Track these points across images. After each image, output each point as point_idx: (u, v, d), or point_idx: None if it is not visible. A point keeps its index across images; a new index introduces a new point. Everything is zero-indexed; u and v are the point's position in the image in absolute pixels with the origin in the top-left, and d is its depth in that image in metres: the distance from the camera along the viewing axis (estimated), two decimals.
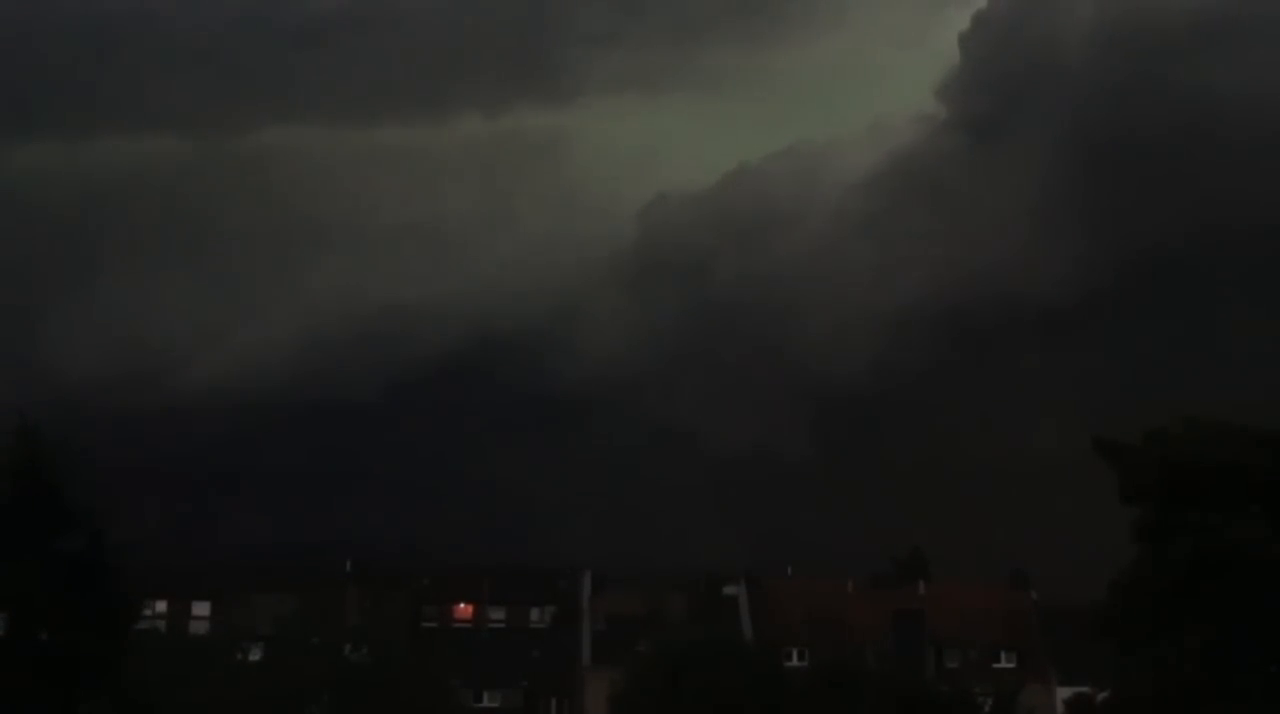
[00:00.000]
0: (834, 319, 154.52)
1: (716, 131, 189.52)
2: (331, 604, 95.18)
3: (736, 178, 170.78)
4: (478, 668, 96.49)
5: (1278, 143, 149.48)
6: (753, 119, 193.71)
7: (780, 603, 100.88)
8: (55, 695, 42.26)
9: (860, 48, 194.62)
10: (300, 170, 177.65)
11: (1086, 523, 72.49)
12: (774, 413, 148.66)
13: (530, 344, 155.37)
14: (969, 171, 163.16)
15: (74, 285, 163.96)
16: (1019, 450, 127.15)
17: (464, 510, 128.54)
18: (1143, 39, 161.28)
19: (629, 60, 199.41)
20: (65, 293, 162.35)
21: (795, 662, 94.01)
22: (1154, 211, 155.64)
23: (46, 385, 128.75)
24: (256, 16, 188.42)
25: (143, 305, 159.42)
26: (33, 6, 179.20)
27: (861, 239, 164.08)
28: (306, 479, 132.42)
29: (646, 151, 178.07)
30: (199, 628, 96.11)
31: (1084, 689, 72.18)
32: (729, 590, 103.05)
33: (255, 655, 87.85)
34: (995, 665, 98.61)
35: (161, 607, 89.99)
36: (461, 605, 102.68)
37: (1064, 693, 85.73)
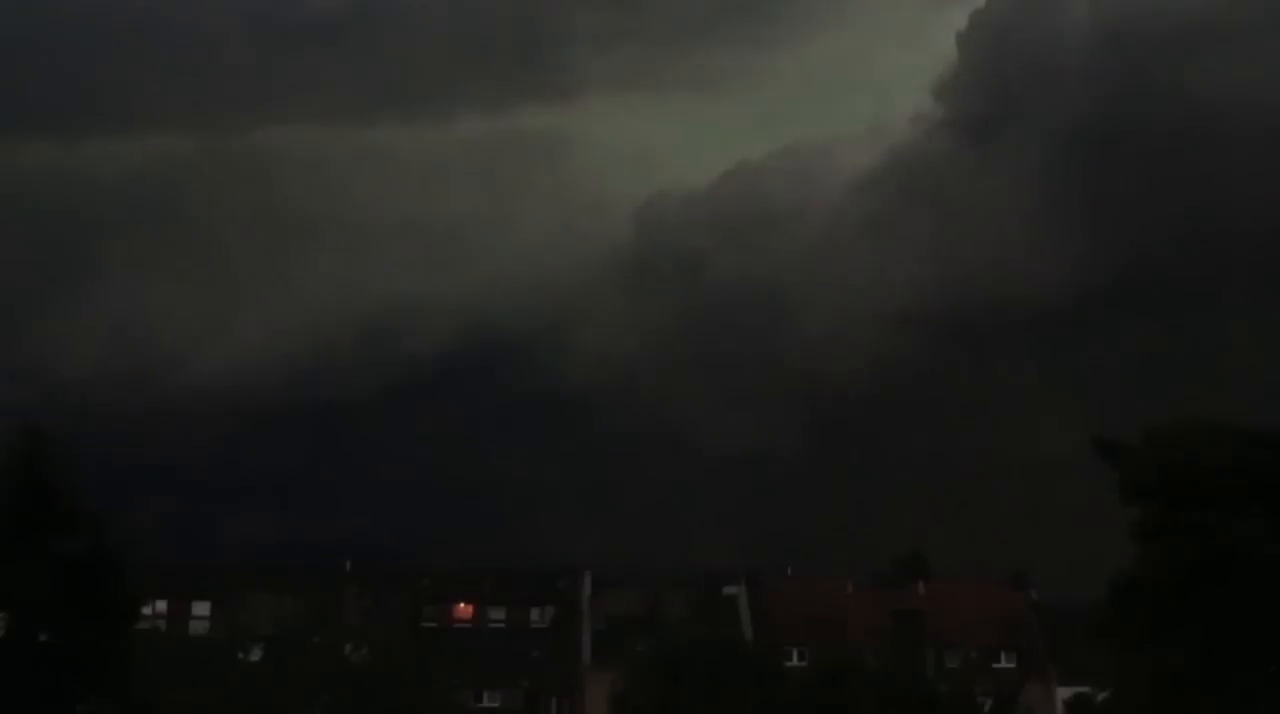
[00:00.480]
0: (832, 318, 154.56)
1: (715, 131, 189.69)
2: (331, 604, 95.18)
3: (735, 177, 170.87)
4: (478, 668, 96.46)
5: (1276, 142, 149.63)
6: (752, 119, 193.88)
7: (780, 603, 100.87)
8: (55, 695, 42.29)
9: (859, 47, 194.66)
10: (298, 169, 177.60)
11: (1086, 523, 72.49)
12: (772, 412, 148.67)
13: (529, 343, 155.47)
14: (967, 171, 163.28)
15: (72, 285, 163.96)
16: (1018, 450, 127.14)
17: (464, 510, 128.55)
18: (1140, 39, 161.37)
19: (629, 60, 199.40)
20: (63, 292, 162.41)
21: (795, 662, 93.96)
22: (1152, 211, 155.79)
23: (44, 385, 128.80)
24: (255, 16, 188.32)
25: (141, 305, 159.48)
26: (31, 5, 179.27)
27: (860, 238, 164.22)
28: (305, 479, 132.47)
29: (646, 151, 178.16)
30: (199, 628, 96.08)
31: (1084, 689, 72.17)
32: (729, 590, 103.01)
33: (255, 655, 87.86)
34: (995, 665, 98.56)
35: (161, 607, 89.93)
36: (461, 605, 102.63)
37: (1064, 693, 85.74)
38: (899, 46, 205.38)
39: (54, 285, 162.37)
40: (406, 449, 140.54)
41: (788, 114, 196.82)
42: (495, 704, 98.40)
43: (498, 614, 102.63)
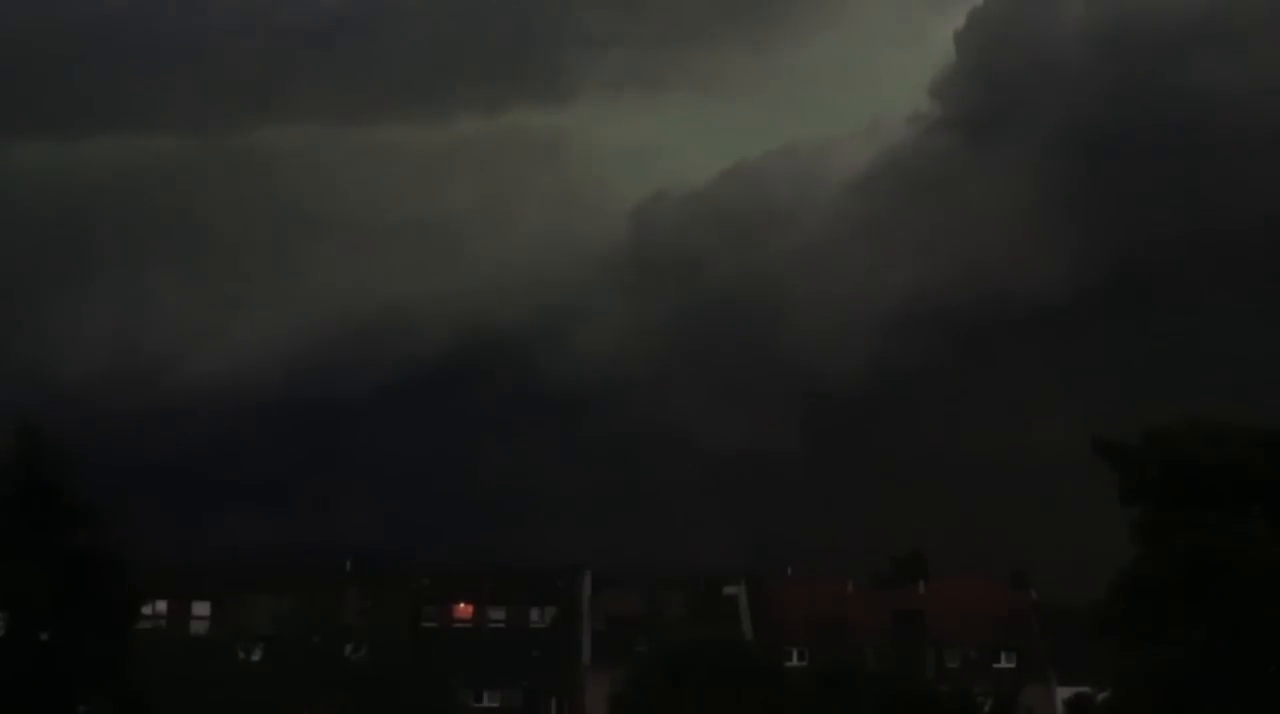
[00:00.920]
0: (831, 317, 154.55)
1: (714, 131, 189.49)
2: (331, 604, 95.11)
3: (733, 177, 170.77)
4: (478, 668, 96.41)
5: (1273, 140, 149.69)
6: (750, 119, 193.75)
7: (780, 603, 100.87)
8: (55, 695, 42.29)
9: (858, 47, 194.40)
10: (296, 169, 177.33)
11: (1086, 523, 72.47)
12: (772, 412, 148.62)
13: (528, 342, 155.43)
14: (965, 170, 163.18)
15: (70, 284, 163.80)
16: (1017, 450, 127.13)
17: (464, 510, 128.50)
18: (1137, 38, 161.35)
19: (628, 60, 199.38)
20: (61, 291, 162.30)
21: (795, 662, 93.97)
22: (1150, 209, 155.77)
23: (41, 384, 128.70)
24: (254, 15, 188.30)
25: (139, 304, 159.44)
26: (29, 4, 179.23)
27: (859, 238, 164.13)
28: (304, 478, 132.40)
29: (645, 151, 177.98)
30: (199, 628, 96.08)
31: (1084, 689, 72.18)
32: (729, 590, 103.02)
33: (255, 655, 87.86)
34: (995, 665, 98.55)
35: (161, 607, 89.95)
36: (461, 605, 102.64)
37: (1064, 693, 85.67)
38: (898, 46, 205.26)
39: (53, 285, 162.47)
40: (405, 449, 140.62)
41: (786, 114, 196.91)
42: (495, 704, 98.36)
43: (498, 614, 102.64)
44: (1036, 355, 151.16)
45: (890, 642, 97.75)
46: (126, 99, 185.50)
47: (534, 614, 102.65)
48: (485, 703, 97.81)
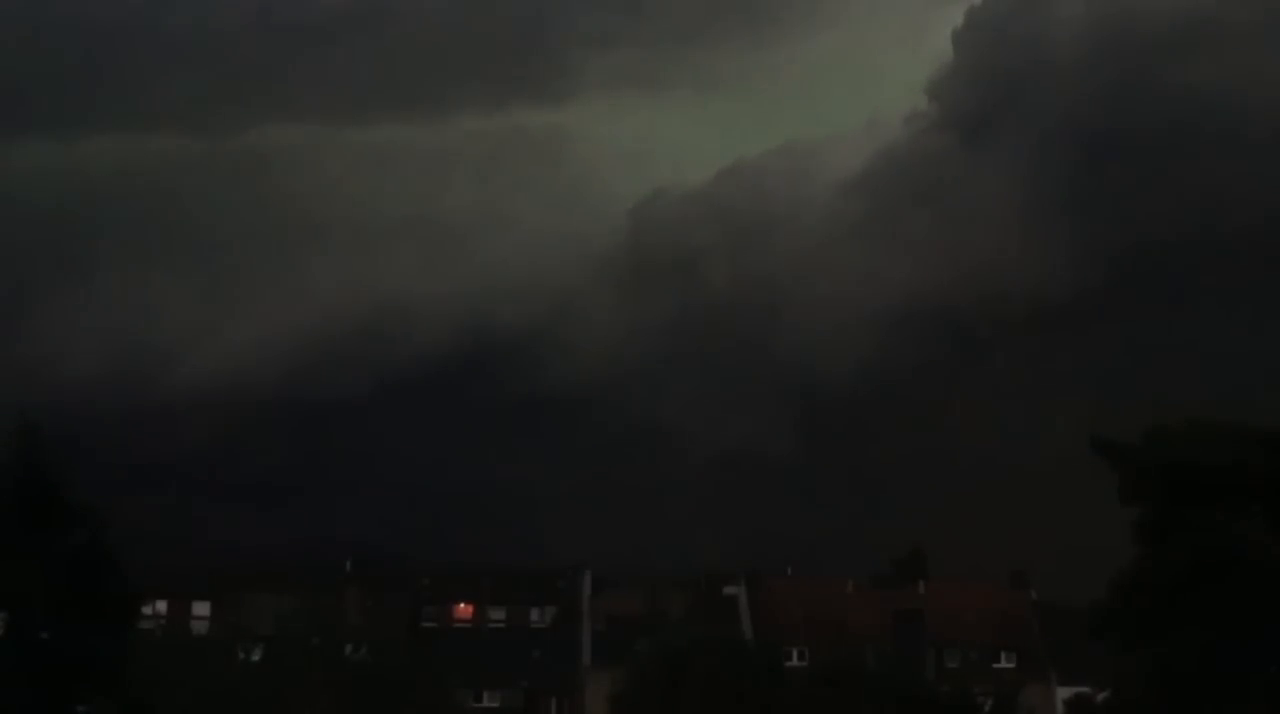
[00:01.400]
0: (830, 317, 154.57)
1: (712, 130, 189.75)
2: (331, 604, 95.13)
3: (731, 176, 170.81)
4: (478, 668, 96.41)
5: (1270, 140, 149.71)
6: (749, 118, 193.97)
7: (780, 603, 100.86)
8: (55, 695, 42.24)
9: (857, 46, 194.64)
10: (296, 169, 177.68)
11: (1086, 523, 72.49)
12: (769, 411, 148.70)
13: (527, 342, 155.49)
14: (963, 169, 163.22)
15: (67, 283, 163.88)
16: (1016, 449, 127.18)
17: (464, 510, 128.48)
18: (1134, 37, 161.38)
19: (627, 59, 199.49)
20: (59, 291, 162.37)
21: (795, 662, 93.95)
22: (1148, 208, 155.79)
23: (39, 383, 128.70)
24: (253, 15, 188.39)
25: (137, 303, 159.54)
26: (29, 4, 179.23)
27: (857, 237, 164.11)
28: (303, 478, 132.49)
29: (644, 150, 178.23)
30: (199, 628, 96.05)
31: (1084, 689, 72.27)
32: (729, 590, 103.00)
33: (255, 655, 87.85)
34: (995, 665, 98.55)
35: (161, 607, 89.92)
36: (461, 605, 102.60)
37: (1064, 693, 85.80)
38: (897, 45, 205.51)
39: (51, 284, 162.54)
40: (404, 448, 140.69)
41: (785, 113, 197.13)
42: (495, 704, 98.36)
43: (498, 614, 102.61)
44: (1034, 355, 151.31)
45: (890, 642, 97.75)
46: (126, 99, 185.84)
47: (534, 614, 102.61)
48: (485, 703, 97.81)
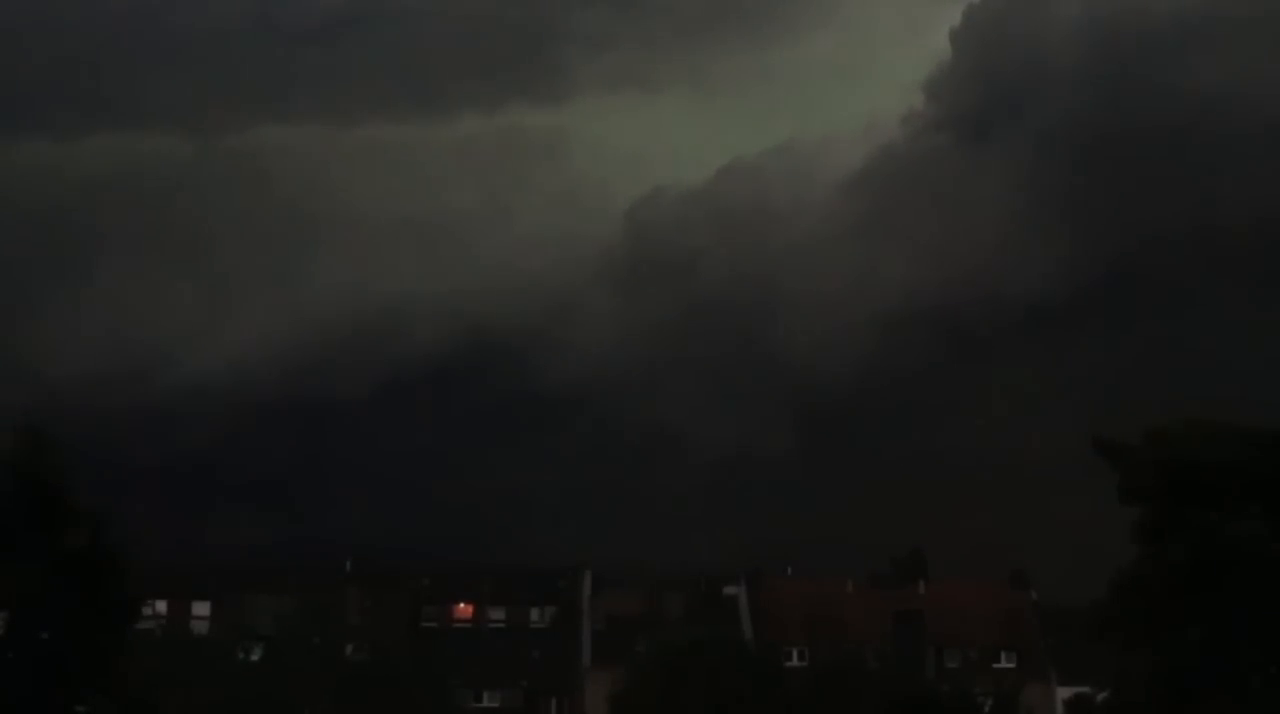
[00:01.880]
0: (828, 316, 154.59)
1: (711, 129, 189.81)
2: (331, 604, 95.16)
3: (729, 176, 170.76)
4: (478, 668, 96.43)
5: (1269, 138, 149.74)
6: (748, 117, 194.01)
7: (780, 603, 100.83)
8: (55, 695, 42.27)
9: (856, 45, 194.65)
10: (294, 168, 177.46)
11: (1086, 523, 72.49)
12: (768, 411, 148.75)
13: (525, 341, 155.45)
14: (960, 168, 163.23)
15: (65, 283, 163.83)
16: (1016, 449, 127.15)
17: (463, 510, 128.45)
18: (1132, 37, 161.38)
19: (625, 59, 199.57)
20: (56, 290, 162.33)
21: (795, 662, 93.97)
22: (1146, 208, 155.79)
23: (36, 383, 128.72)
24: (252, 15, 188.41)
25: (136, 303, 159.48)
26: (28, 3, 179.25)
27: (856, 237, 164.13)
28: (302, 478, 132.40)
29: (642, 149, 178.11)
30: (199, 628, 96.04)
31: (1084, 689, 72.18)
32: (729, 590, 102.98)
33: (255, 655, 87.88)
34: (995, 665, 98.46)
35: (161, 607, 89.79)
36: (461, 605, 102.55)
37: (1064, 693, 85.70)
38: (895, 44, 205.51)
39: (49, 283, 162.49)
40: (404, 448, 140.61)
41: (784, 112, 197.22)
42: (495, 704, 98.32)
43: (498, 614, 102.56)
44: (1032, 355, 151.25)
45: (890, 642, 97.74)
46: (124, 98, 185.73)
47: (534, 614, 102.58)
48: (485, 703, 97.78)
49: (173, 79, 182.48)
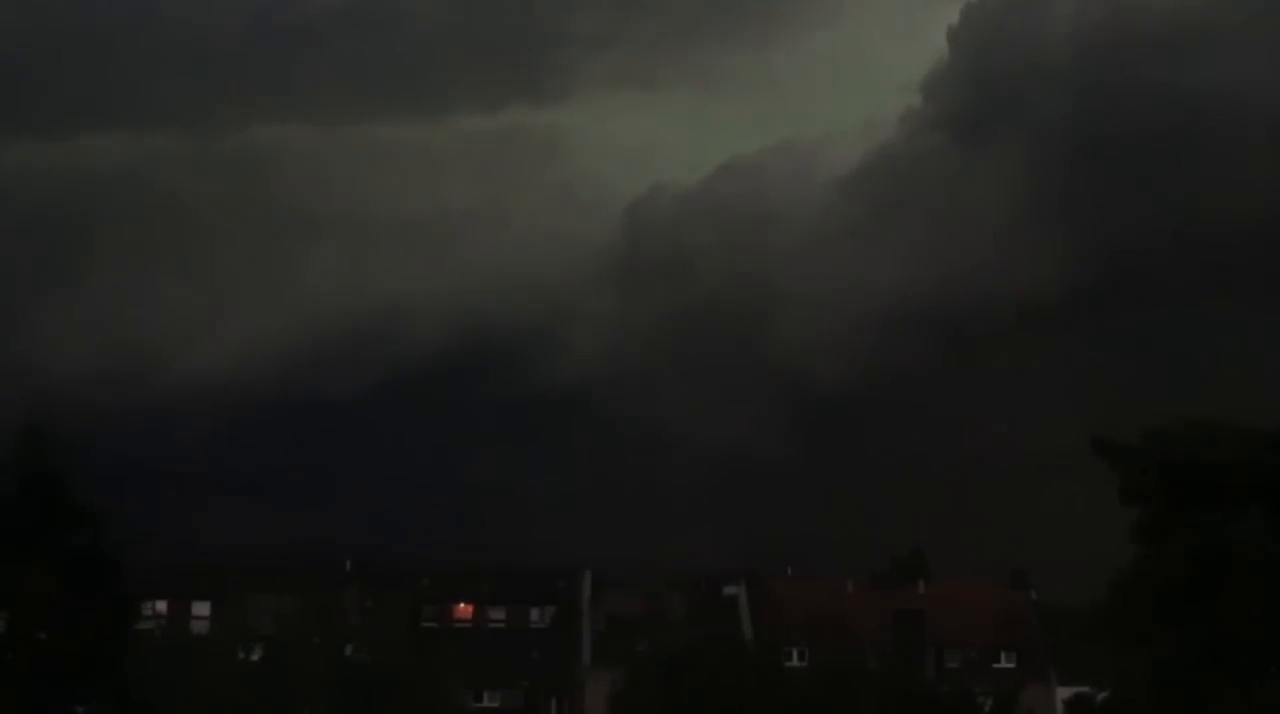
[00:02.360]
0: (828, 315, 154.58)
1: (710, 128, 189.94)
2: (331, 604, 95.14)
3: (727, 175, 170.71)
4: (478, 668, 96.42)
5: (1266, 139, 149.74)
6: (746, 116, 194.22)
7: (780, 603, 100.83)
8: (55, 695, 42.27)
9: (855, 44, 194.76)
10: (292, 167, 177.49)
11: (1086, 523, 72.50)
12: (766, 411, 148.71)
13: (524, 341, 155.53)
14: (958, 168, 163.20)
15: (62, 282, 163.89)
16: (1016, 449, 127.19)
17: (464, 510, 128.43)
18: (1129, 36, 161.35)
19: (624, 58, 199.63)
20: (53, 290, 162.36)
21: (795, 662, 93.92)
22: (1143, 207, 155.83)
23: (33, 382, 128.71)
24: (251, 14, 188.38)
25: (134, 302, 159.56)
26: (27, 3, 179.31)
27: (854, 236, 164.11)
28: (297, 478, 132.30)
29: (640, 148, 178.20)
30: (199, 628, 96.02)
31: (1084, 689, 72.11)
32: (729, 590, 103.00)
33: (255, 655, 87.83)
34: (995, 665, 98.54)
35: (161, 607, 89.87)
36: (461, 605, 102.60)
37: (1064, 693, 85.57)
38: (893, 43, 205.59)
39: (46, 283, 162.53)
40: (403, 447, 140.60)
41: (782, 111, 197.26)
42: (495, 704, 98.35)
43: (498, 614, 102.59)
44: (1030, 354, 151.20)
45: (890, 642, 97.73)
46: (122, 97, 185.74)
47: (534, 614, 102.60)
48: (485, 703, 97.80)
49: (172, 79, 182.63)
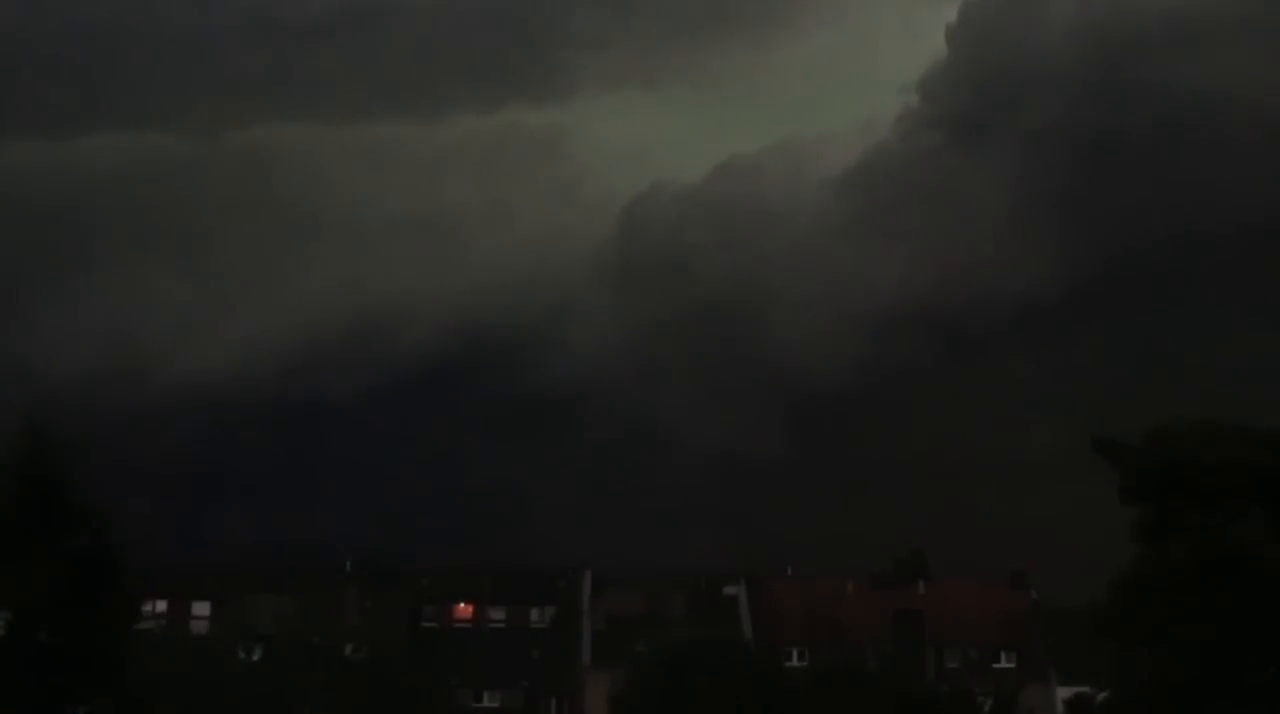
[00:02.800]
0: (827, 315, 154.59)
1: (708, 128, 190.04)
2: (331, 604, 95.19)
3: (725, 175, 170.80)
4: (478, 668, 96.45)
5: (1262, 139, 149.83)
6: (745, 115, 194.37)
7: (780, 603, 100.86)
8: (55, 696, 42.28)
9: (854, 43, 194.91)
10: (292, 167, 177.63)
11: (1086, 523, 72.47)
12: (769, 410, 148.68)
13: (523, 340, 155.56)
14: (955, 167, 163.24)
15: (60, 282, 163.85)
16: (1015, 449, 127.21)
17: (463, 510, 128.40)
18: (1127, 36, 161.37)
19: (624, 58, 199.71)
20: (55, 289, 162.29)
21: (795, 662, 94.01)
22: (1140, 207, 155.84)
23: (33, 382, 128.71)
24: (251, 13, 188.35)
25: (133, 302, 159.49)
26: (27, 2, 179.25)
27: (852, 235, 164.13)
28: (295, 478, 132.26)
29: (640, 147, 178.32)
30: (199, 628, 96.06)
31: (1084, 689, 72.15)
32: (729, 590, 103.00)
33: (255, 655, 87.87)
34: (995, 665, 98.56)
35: (161, 607, 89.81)
36: (461, 605, 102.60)
37: (1064, 693, 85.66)
38: (892, 42, 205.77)
39: (45, 282, 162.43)
40: (403, 447, 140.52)
41: (780, 111, 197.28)
42: (495, 704, 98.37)
43: (498, 614, 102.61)
44: (1028, 353, 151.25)
45: (890, 642, 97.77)
46: (122, 96, 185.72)
47: (534, 614, 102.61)
48: (485, 703, 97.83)
49: (170, 78, 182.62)
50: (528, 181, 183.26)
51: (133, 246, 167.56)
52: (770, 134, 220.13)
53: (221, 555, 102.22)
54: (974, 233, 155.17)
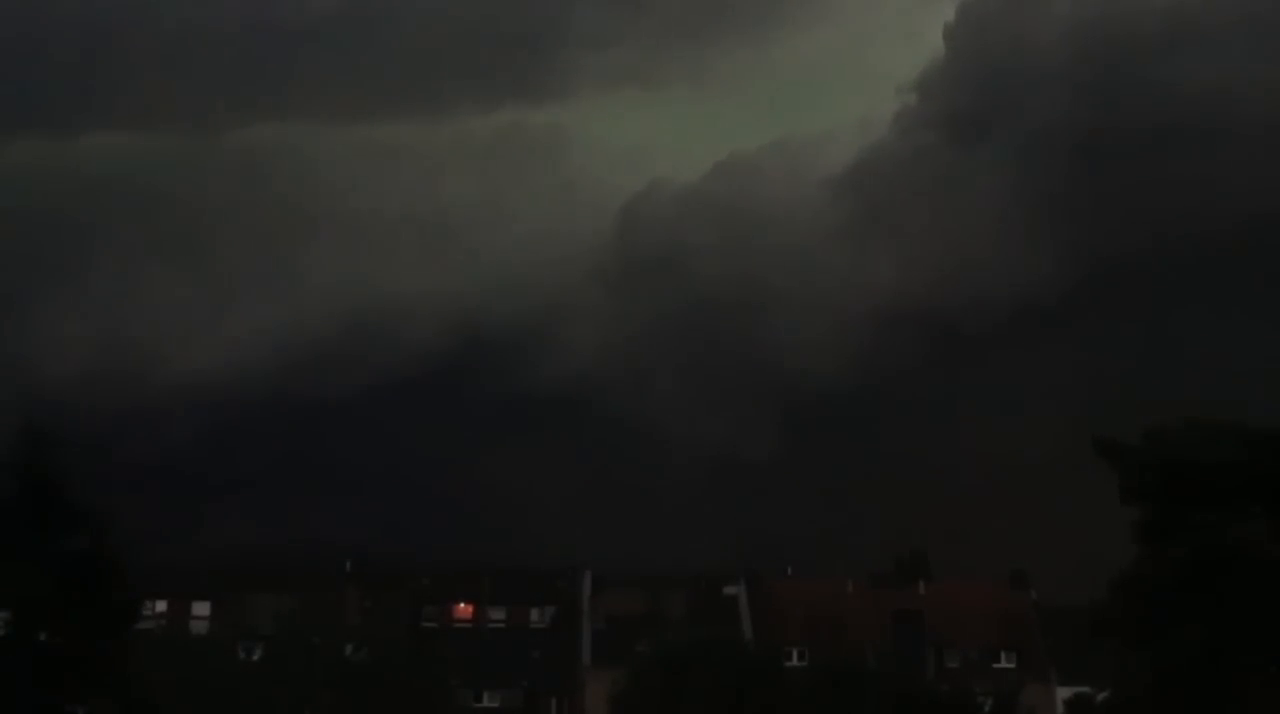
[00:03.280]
0: (826, 314, 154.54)
1: (707, 127, 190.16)
2: (331, 604, 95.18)
3: (723, 172, 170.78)
4: (478, 668, 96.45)
5: (1259, 139, 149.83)
6: (745, 115, 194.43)
7: (780, 603, 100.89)
8: (55, 695, 42.25)
9: (853, 42, 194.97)
10: (291, 166, 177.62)
11: (1086, 523, 72.46)
12: (769, 410, 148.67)
13: (522, 340, 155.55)
14: (953, 167, 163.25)
15: (63, 281, 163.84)
16: (1015, 449, 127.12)
17: (463, 510, 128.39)
18: (1124, 35, 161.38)
19: (623, 57, 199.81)
20: (54, 289, 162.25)
21: (795, 662, 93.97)
22: (1138, 207, 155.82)
23: (32, 381, 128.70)
24: (251, 12, 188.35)
25: (130, 301, 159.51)
26: (27, 2, 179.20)
27: (850, 234, 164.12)
28: (293, 478, 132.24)
29: (639, 147, 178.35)
30: (199, 628, 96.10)
31: (1084, 689, 72.23)
32: (729, 590, 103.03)
33: (255, 655, 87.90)
34: (995, 665, 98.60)
35: (161, 607, 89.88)
36: (461, 605, 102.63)
37: (1064, 693, 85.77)
38: (891, 41, 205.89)
39: (43, 282, 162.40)
40: (403, 447, 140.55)
41: (779, 110, 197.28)
42: (495, 704, 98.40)
43: (498, 614, 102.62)
44: (1026, 353, 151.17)
45: (890, 642, 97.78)
46: (121, 96, 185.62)
47: (534, 614, 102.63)
48: (485, 703, 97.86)
49: (170, 78, 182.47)
50: (527, 181, 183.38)
51: (134, 246, 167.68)
52: (769, 133, 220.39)
53: (221, 555, 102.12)
54: (972, 232, 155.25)
